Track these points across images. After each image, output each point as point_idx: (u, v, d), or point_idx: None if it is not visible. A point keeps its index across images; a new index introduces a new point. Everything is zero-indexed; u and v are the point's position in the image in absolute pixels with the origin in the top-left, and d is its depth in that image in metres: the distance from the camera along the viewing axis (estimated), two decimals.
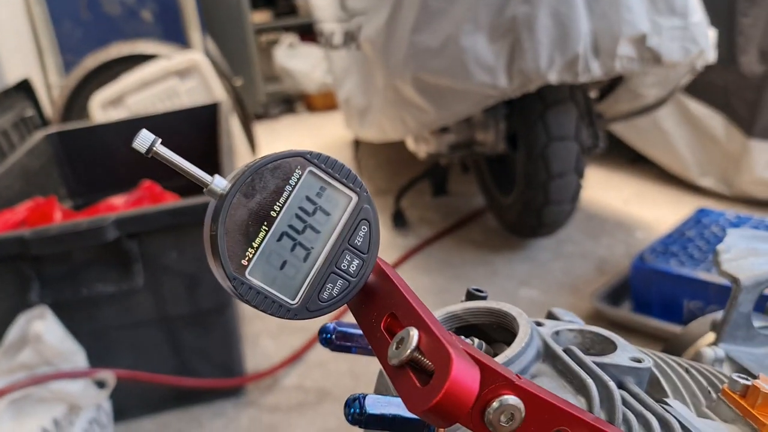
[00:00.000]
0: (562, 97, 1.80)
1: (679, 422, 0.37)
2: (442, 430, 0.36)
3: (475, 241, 2.25)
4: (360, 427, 0.36)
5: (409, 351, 0.29)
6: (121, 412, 1.57)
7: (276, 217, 0.34)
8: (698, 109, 2.23)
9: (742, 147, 2.13)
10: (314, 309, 0.35)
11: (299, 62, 4.11)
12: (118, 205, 1.83)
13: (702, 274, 1.50)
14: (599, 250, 2.09)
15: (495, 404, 0.30)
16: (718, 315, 0.60)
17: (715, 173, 2.28)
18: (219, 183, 0.34)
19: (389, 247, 2.47)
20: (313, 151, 0.35)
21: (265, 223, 0.34)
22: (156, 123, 2.22)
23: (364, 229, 0.35)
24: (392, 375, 0.30)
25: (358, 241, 0.35)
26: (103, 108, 2.39)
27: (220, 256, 0.33)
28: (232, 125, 2.38)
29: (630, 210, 2.33)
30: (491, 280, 1.97)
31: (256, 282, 0.34)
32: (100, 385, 1.42)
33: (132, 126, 2.13)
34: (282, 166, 0.34)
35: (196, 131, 2.24)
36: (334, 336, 0.45)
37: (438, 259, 2.17)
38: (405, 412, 0.36)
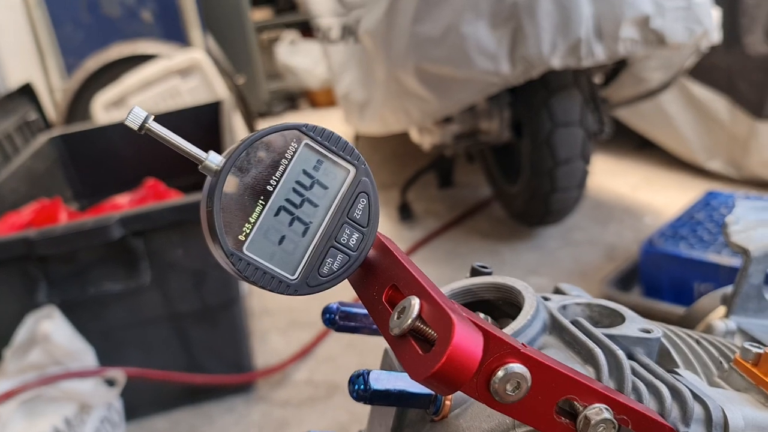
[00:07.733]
0: (566, 83, 1.78)
1: (691, 391, 0.36)
2: (448, 402, 0.35)
3: (482, 232, 2.24)
4: (365, 403, 0.35)
5: (410, 320, 0.29)
6: (132, 410, 1.57)
7: (273, 192, 0.33)
8: (702, 92, 2.21)
9: (750, 129, 2.11)
10: (314, 284, 0.34)
11: (301, 59, 4.10)
12: (123, 203, 1.83)
13: (712, 257, 1.48)
14: (608, 236, 2.07)
15: (500, 373, 0.29)
16: (729, 289, 0.59)
17: (722, 156, 2.26)
18: (214, 159, 0.34)
19: (396, 240, 2.45)
20: (308, 123, 0.34)
21: (262, 198, 0.33)
22: (158, 122, 2.23)
23: (362, 202, 0.35)
24: (395, 345, 0.30)
25: (357, 214, 0.35)
26: (106, 109, 2.39)
27: (217, 232, 0.32)
28: (235, 123, 2.37)
29: (638, 196, 2.32)
30: (499, 269, 1.96)
31: (254, 258, 0.33)
32: (111, 383, 1.42)
33: None
34: (278, 140, 0.34)
35: (199, 130, 2.23)
36: (337, 316, 0.44)
37: (445, 251, 2.16)
38: (410, 387, 0.35)
